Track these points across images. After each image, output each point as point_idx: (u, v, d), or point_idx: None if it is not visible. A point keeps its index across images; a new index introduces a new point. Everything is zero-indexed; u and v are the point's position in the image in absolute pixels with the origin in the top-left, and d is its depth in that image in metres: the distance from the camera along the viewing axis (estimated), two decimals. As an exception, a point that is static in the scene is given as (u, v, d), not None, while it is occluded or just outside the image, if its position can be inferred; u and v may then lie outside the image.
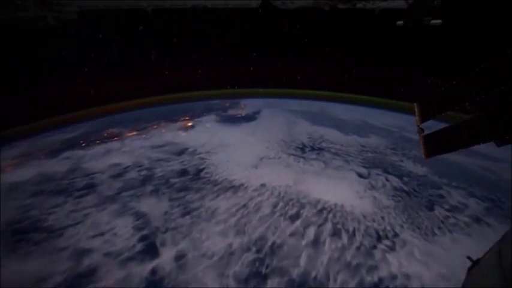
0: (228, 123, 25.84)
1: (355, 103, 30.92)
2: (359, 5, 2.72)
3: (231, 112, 30.30)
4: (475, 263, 2.09)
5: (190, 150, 19.22)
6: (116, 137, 21.74)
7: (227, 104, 32.97)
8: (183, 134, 23.16)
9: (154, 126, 24.76)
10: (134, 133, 22.76)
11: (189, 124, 25.95)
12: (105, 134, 22.08)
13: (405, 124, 23.78)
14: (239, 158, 17.90)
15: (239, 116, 29.15)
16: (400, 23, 2.80)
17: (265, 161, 17.64)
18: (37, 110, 21.30)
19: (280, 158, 18.19)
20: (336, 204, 12.81)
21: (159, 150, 19.15)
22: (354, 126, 24.87)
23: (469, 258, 2.14)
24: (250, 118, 27.91)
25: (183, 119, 27.07)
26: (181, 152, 18.81)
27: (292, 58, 29.86)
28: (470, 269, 2.11)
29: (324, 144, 20.28)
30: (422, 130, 2.36)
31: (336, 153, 18.77)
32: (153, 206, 12.65)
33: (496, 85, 2.27)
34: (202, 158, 17.94)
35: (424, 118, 2.66)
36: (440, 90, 2.65)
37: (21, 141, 20.76)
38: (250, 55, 30.76)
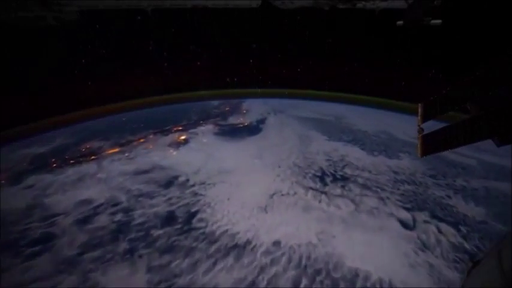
0: (228, 137, 26.72)
1: (367, 105, 35.19)
2: (359, 5, 3.46)
3: (231, 120, 31.95)
4: (475, 263, 2.53)
5: (181, 179, 19.14)
6: (93, 154, 22.64)
7: (227, 108, 35.59)
8: (173, 153, 23.62)
9: (141, 140, 25.76)
10: (116, 150, 23.69)
11: (182, 138, 26.84)
12: (83, 150, 23.29)
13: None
14: (243, 194, 17.39)
15: (241, 126, 30.55)
16: (400, 23, 3.52)
17: (277, 200, 17.04)
18: (37, 110, 25.57)
19: (295, 193, 17.66)
20: (381, 280, 11.69)
21: (142, 178, 19.08)
22: (377, 140, 26.12)
23: (469, 259, 2.59)
24: (253, 129, 29.38)
25: (176, 129, 28.41)
26: (169, 183, 18.62)
27: (292, 58, 34.26)
28: (470, 270, 2.55)
29: (348, 171, 20.35)
30: (422, 130, 2.96)
31: (365, 186, 18.47)
32: (123, 283, 11.57)
33: (497, 85, 2.91)
34: (196, 194, 17.42)
35: (425, 118, 3.28)
36: (446, 91, 3.31)
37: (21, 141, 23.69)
38: (250, 55, 34.16)
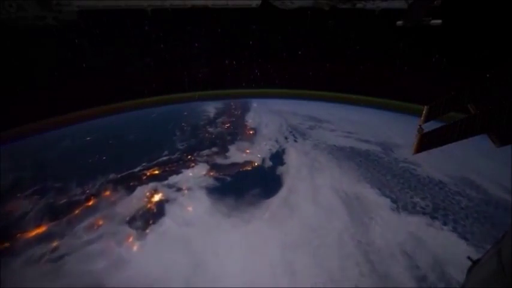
0: (231, 203, 18.00)
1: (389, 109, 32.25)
2: (359, 5, 3.48)
3: (233, 153, 23.97)
4: (475, 263, 2.55)
5: None
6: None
7: (227, 125, 28.97)
8: (134, 247, 14.52)
9: (89, 203, 17.39)
10: (39, 231, 14.84)
11: (156, 200, 18.57)
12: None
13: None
14: None
15: (249, 168, 22.46)
16: (400, 23, 3.55)
17: None
18: (36, 110, 25.30)
19: None
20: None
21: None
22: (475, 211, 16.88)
23: (469, 258, 2.62)
24: (269, 178, 20.86)
25: (150, 173, 21.53)
26: None
27: (292, 58, 33.84)
28: (470, 269, 2.57)
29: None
30: (422, 130, 3.00)
31: None
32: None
33: (497, 86, 2.96)
34: None
35: (428, 119, 3.34)
36: (449, 93, 3.36)
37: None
38: (251, 55, 33.65)
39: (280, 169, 21.74)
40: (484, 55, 19.17)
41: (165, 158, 23.19)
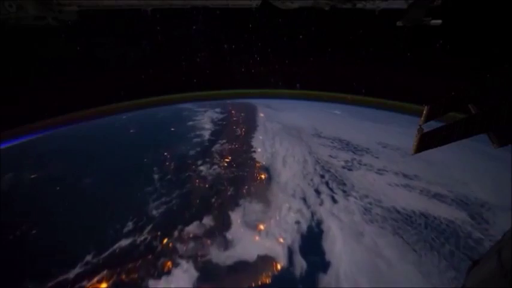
0: None
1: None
2: (359, 5, 3.48)
3: (240, 247, 14.86)
4: (475, 263, 2.56)
5: None
6: None
7: (230, 190, 18.34)
8: None
9: None
10: None
11: None
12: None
13: None
14: None
15: (265, 286, 13.25)
16: (400, 23, 3.56)
17: None
18: (36, 110, 25.02)
19: None
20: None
21: None
22: None
23: (469, 258, 2.63)
24: None
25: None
26: None
27: (293, 58, 33.35)
28: (470, 269, 2.58)
29: None
30: (422, 129, 3.01)
31: None
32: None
33: (497, 86, 2.97)
34: None
35: (428, 119, 3.34)
36: (450, 93, 3.38)
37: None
38: (250, 55, 33.32)
39: (324, 279, 13.17)
40: (485, 55, 19.23)
41: (126, 242, 15.19)
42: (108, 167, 19.94)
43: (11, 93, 22.51)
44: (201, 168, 20.72)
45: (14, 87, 22.62)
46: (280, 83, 34.36)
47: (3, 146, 22.56)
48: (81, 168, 20.64)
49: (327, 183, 19.44)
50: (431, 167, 19.76)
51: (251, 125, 26.01)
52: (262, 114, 27.71)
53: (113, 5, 3.57)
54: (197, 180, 19.60)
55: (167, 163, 20.98)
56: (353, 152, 23.71)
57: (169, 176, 19.29)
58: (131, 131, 26.52)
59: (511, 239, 2.44)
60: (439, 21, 3.36)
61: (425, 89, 26.01)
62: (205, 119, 26.46)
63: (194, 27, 28.38)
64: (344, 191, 18.79)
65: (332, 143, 25.10)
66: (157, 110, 30.04)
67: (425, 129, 3.08)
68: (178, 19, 27.47)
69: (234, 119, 27.69)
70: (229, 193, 18.44)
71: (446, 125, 2.85)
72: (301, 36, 29.74)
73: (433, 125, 3.10)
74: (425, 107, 3.57)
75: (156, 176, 19.34)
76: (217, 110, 29.40)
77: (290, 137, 24.09)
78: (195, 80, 31.74)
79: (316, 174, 19.99)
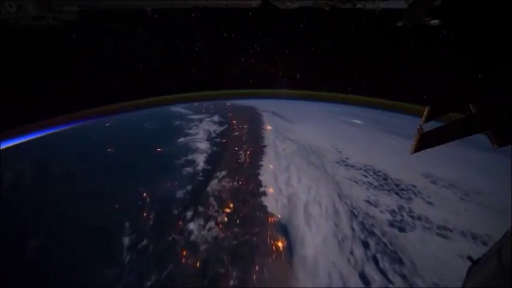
0: None
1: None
2: (359, 5, 3.49)
3: None
4: (475, 263, 2.57)
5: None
6: None
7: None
8: None
9: None
10: None
11: None
12: None
13: None
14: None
15: None
16: (400, 23, 3.56)
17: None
18: (36, 110, 25.64)
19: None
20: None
21: None
22: None
23: (469, 258, 2.63)
24: None
25: None
26: None
27: (293, 58, 33.37)
28: (470, 269, 2.59)
29: None
30: (422, 129, 3.02)
31: None
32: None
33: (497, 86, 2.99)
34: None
35: (428, 119, 3.36)
36: (451, 94, 3.40)
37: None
38: (250, 54, 33.29)
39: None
40: (486, 55, 19.26)
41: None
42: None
43: (11, 93, 22.54)
44: (191, 226, 15.39)
45: (13, 87, 22.65)
46: (281, 83, 34.70)
47: (3, 146, 22.56)
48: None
49: (374, 259, 13.70)
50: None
51: (257, 145, 20.95)
52: (270, 127, 22.87)
53: (112, 5, 3.57)
54: (184, 253, 14.06)
55: (144, 214, 15.95)
56: (396, 193, 18.28)
57: (144, 242, 14.20)
58: (108, 150, 22.04)
59: (511, 239, 2.43)
60: (437, 21, 3.37)
61: (425, 90, 26.08)
62: (200, 133, 21.62)
63: (194, 27, 28.36)
64: (403, 276, 13.14)
65: (365, 176, 19.81)
66: (147, 115, 28.55)
67: (426, 130, 3.09)
68: (178, 19, 27.46)
69: (236, 133, 22.84)
70: (231, 283, 12.70)
71: (445, 124, 2.86)
72: (301, 36, 29.87)
73: (434, 125, 3.11)
74: (426, 107, 3.60)
75: (126, 242, 14.17)
76: (216, 118, 25.06)
77: (309, 166, 18.91)
78: (195, 80, 32.16)
79: (355, 239, 14.41)
